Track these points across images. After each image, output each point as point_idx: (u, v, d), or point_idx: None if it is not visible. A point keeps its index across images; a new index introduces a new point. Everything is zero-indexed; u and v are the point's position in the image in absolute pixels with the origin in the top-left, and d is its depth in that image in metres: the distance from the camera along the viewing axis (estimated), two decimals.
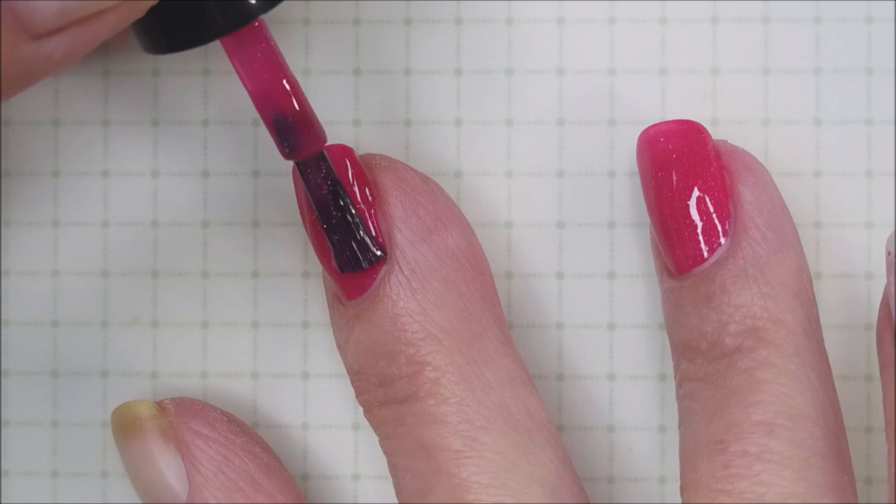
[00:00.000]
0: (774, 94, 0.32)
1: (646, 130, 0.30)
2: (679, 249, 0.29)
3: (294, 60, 0.32)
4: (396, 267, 0.29)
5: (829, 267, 0.32)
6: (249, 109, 0.33)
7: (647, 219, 0.32)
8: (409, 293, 0.29)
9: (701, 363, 0.29)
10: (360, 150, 0.32)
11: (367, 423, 0.31)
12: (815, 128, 0.32)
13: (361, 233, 0.29)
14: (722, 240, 0.29)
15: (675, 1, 0.32)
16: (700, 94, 0.32)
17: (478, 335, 0.29)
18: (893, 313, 0.27)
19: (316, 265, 0.32)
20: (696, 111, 0.31)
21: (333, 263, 0.29)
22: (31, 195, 0.33)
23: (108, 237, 0.33)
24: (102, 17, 0.25)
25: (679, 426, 0.29)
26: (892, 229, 0.32)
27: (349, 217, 0.29)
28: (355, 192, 0.29)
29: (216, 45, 0.33)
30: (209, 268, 0.33)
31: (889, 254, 0.28)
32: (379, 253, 0.29)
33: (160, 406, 0.31)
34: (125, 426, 0.31)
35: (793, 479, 0.28)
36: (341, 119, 0.32)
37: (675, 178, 0.30)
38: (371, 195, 0.29)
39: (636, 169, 0.32)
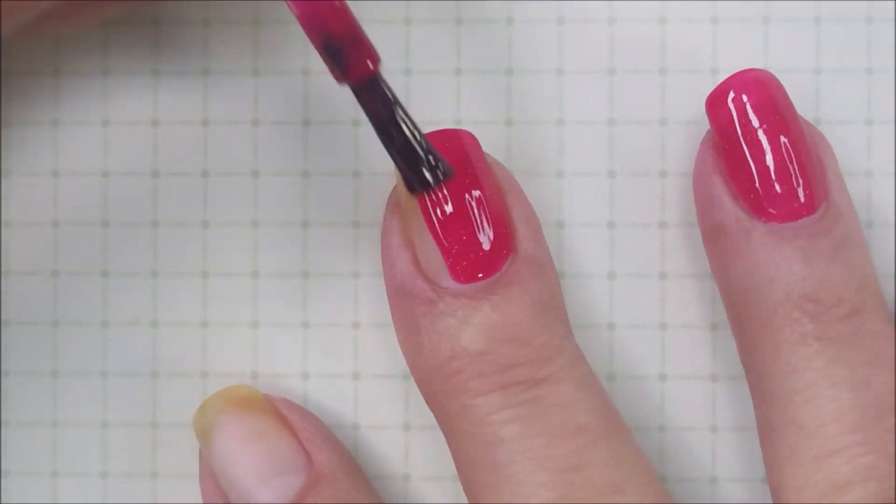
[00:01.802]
0: None
1: (742, 73, 0.30)
2: (791, 194, 0.29)
3: (294, 62, 0.32)
4: (526, 256, 0.29)
5: None
6: (249, 109, 0.33)
7: (648, 219, 0.32)
8: (539, 282, 0.29)
9: (827, 321, 0.29)
10: (360, 150, 0.32)
11: (368, 424, 0.31)
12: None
13: (426, 149, 0.28)
14: (826, 195, 0.29)
15: (675, 1, 0.32)
16: (700, 94, 0.31)
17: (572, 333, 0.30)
18: None
19: (315, 266, 0.32)
20: (697, 111, 0.31)
21: (447, 245, 0.29)
22: (31, 194, 0.33)
23: (107, 237, 0.33)
24: None
25: (787, 386, 0.29)
26: (893, 229, 0.32)
27: (412, 135, 0.28)
28: (487, 175, 0.30)
29: (216, 44, 0.33)
30: (209, 268, 0.33)
31: None
32: (446, 170, 0.29)
33: (266, 396, 0.32)
34: (242, 400, 0.31)
35: None
36: (343, 119, 0.32)
37: (792, 124, 0.30)
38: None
39: (636, 169, 0.32)
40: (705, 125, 0.30)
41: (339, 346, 0.32)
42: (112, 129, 0.33)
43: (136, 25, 0.33)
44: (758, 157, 0.29)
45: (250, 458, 0.31)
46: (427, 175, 0.29)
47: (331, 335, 0.32)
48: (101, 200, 0.33)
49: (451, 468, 0.31)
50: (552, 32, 0.32)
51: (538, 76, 0.32)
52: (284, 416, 0.31)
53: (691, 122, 0.32)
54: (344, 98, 0.32)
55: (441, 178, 0.29)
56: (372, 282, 0.32)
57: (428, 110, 0.32)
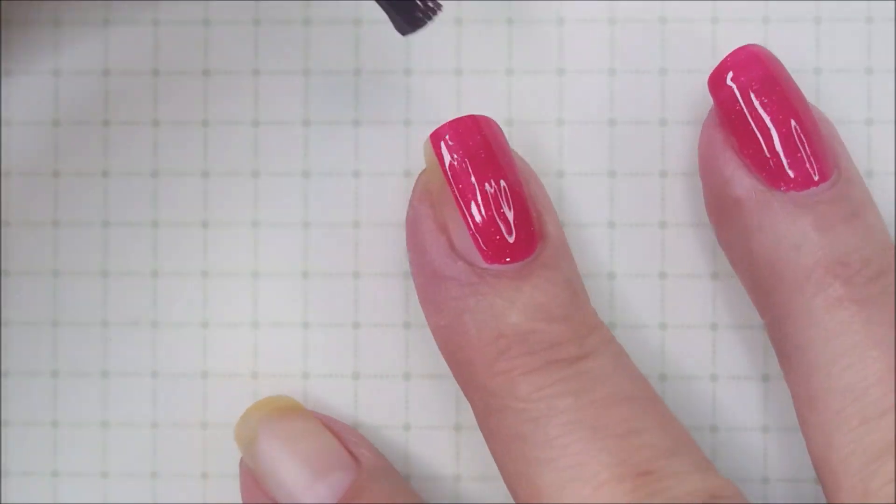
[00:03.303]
0: None
1: (738, 51, 0.30)
2: (805, 162, 0.29)
3: (293, 61, 0.32)
4: (555, 240, 0.30)
5: None
6: (249, 110, 0.33)
7: (647, 219, 0.32)
8: (569, 264, 0.30)
9: (860, 283, 0.29)
10: (360, 150, 0.32)
11: (368, 424, 0.31)
12: None
13: None
14: (836, 162, 0.30)
15: (675, 1, 0.32)
16: (701, 94, 0.32)
17: None
18: None
19: (316, 266, 0.32)
20: (697, 111, 0.31)
21: (476, 221, 0.29)
22: (31, 195, 0.33)
23: (108, 237, 0.33)
24: None
25: (828, 352, 0.29)
26: (893, 229, 0.32)
27: None
28: (513, 162, 0.30)
29: (216, 44, 0.33)
30: (209, 268, 0.33)
31: None
32: (435, 4, 0.29)
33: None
34: (283, 407, 0.32)
35: None
36: (342, 119, 0.32)
37: (793, 95, 0.30)
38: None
39: (636, 169, 0.32)
40: None
41: (339, 346, 0.32)
42: (112, 128, 0.33)
43: (135, 25, 0.33)
44: (765, 131, 0.30)
45: (299, 456, 0.31)
46: (419, 14, 0.29)
47: (331, 335, 0.32)
48: (102, 200, 0.33)
49: (452, 468, 0.31)
50: (552, 32, 0.32)
51: (538, 76, 0.32)
52: (326, 422, 0.32)
53: (691, 122, 0.32)
54: (344, 98, 0.32)
55: (432, 13, 0.29)
56: (372, 282, 0.32)
57: (428, 110, 0.32)
